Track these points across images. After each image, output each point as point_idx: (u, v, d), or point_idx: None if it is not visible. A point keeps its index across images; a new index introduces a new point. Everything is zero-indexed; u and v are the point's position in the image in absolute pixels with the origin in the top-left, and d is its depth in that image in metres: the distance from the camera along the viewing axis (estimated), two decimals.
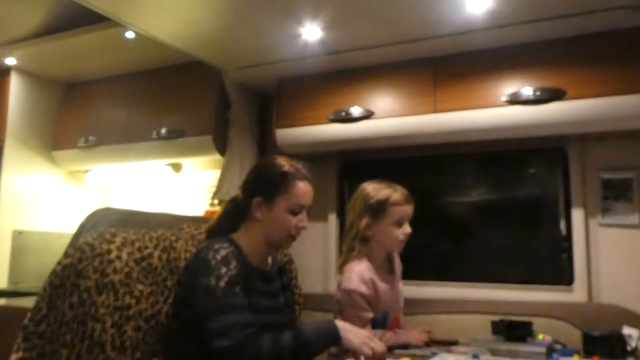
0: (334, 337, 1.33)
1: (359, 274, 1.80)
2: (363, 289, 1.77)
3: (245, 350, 1.27)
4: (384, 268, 1.92)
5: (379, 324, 1.84)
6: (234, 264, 1.38)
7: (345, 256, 1.89)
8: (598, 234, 2.21)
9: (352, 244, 1.87)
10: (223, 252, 1.40)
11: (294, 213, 1.48)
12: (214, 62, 2.59)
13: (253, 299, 1.42)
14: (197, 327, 1.34)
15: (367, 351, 1.32)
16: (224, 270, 1.36)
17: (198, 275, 1.37)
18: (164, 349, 1.47)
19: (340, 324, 1.37)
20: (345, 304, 1.77)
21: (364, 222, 1.82)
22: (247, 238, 1.51)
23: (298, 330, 1.34)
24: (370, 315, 1.78)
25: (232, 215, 1.56)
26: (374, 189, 1.85)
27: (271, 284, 1.56)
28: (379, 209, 1.81)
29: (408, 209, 1.83)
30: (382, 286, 1.84)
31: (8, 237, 3.05)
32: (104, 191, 3.60)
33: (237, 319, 1.31)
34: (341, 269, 1.88)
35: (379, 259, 1.89)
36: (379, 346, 1.36)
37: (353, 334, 1.35)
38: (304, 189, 1.50)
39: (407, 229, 1.83)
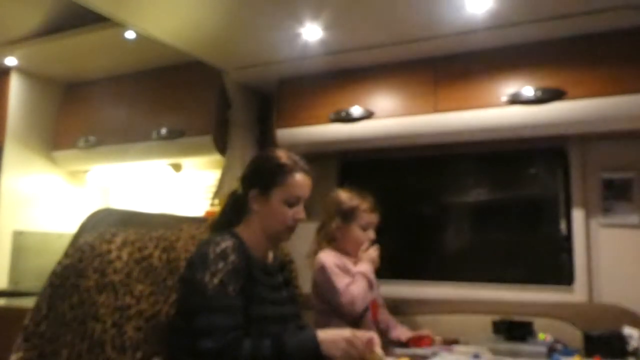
0: (315, 350, 1.31)
1: (326, 255, 1.97)
2: (332, 259, 1.94)
3: (225, 354, 1.26)
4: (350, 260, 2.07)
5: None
6: (232, 258, 1.37)
7: (314, 250, 2.05)
8: (598, 234, 2.21)
9: (320, 241, 2.06)
10: (223, 245, 1.38)
11: (290, 204, 1.48)
12: (214, 62, 2.59)
13: (257, 289, 1.42)
14: (186, 321, 1.33)
15: None
16: (221, 265, 1.35)
17: (196, 269, 1.37)
18: (166, 346, 1.47)
19: (322, 336, 1.33)
20: (323, 279, 1.91)
21: (334, 223, 2.02)
22: (248, 231, 1.50)
23: (280, 340, 1.32)
24: (348, 278, 1.89)
25: (233, 209, 1.55)
26: (346, 196, 2.05)
27: (273, 277, 1.55)
28: (349, 214, 2.02)
29: (374, 217, 2.04)
30: (354, 267, 1.98)
31: (8, 237, 3.05)
32: (104, 191, 3.60)
33: (224, 320, 1.30)
34: (311, 261, 2.01)
35: (343, 253, 2.04)
36: (361, 345, 1.32)
37: (334, 345, 1.32)
38: (299, 180, 1.49)
39: (371, 234, 2.04)
